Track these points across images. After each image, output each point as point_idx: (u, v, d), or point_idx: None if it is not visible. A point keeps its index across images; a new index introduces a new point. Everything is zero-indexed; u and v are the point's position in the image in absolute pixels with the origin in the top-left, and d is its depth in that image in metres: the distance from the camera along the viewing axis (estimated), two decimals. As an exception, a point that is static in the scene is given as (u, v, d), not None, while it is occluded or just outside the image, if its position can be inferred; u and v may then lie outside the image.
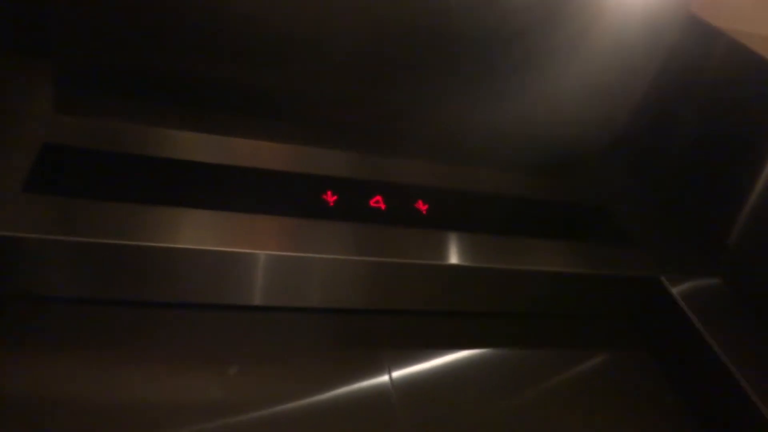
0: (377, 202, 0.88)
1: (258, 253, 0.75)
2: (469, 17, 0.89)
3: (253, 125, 0.92)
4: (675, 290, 0.93)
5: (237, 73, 0.90)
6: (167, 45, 0.85)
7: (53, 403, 0.64)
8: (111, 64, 0.86)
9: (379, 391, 0.76)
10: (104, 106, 0.86)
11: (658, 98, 1.12)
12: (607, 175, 1.20)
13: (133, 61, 0.86)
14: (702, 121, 1.08)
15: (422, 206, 0.90)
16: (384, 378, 0.77)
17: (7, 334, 0.69)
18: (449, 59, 0.94)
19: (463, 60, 0.95)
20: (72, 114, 0.83)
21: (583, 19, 0.94)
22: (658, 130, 1.18)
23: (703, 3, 1.03)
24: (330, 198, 0.85)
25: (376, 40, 0.90)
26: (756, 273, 0.95)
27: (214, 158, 0.86)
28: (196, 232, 0.74)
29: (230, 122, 0.91)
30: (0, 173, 0.71)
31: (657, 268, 0.96)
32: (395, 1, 0.86)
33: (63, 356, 0.69)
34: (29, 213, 0.68)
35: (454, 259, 0.84)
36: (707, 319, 0.88)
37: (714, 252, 1.02)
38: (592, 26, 0.96)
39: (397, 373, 0.78)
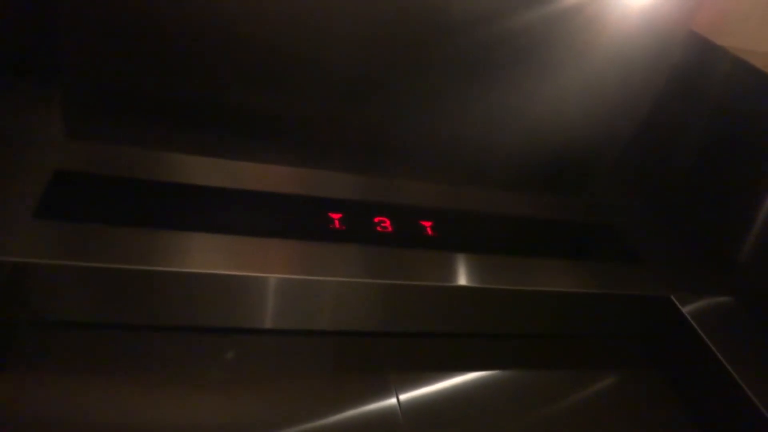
0: (384, 223, 0.88)
1: (268, 277, 0.75)
2: (472, 35, 0.90)
3: (260, 148, 0.93)
4: (685, 309, 0.92)
5: (244, 96, 0.91)
6: (175, 70, 0.86)
7: (65, 427, 0.64)
8: (120, 90, 0.87)
9: (387, 414, 0.75)
10: (114, 131, 0.87)
11: (664, 115, 1.12)
12: (615, 193, 1.19)
13: (142, 87, 0.87)
14: (708, 138, 1.08)
15: (429, 227, 0.90)
16: (392, 400, 0.77)
17: (20, 360, 0.69)
18: (453, 79, 0.95)
19: (466, 80, 0.95)
20: (82, 140, 0.84)
21: (584, 37, 0.95)
22: (664, 147, 1.18)
23: (704, 21, 1.04)
24: (337, 220, 0.86)
25: (379, 60, 0.91)
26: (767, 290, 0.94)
27: (222, 182, 0.86)
28: (206, 256, 0.74)
29: (237, 146, 0.92)
30: (11, 200, 0.72)
31: (667, 287, 0.96)
32: (398, 22, 0.87)
33: (75, 381, 0.69)
34: (40, 239, 0.69)
35: (462, 280, 0.84)
36: (719, 337, 0.87)
37: (724, 270, 1.01)
38: (595, 44, 0.96)
39: (404, 396, 0.78)
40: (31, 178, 0.76)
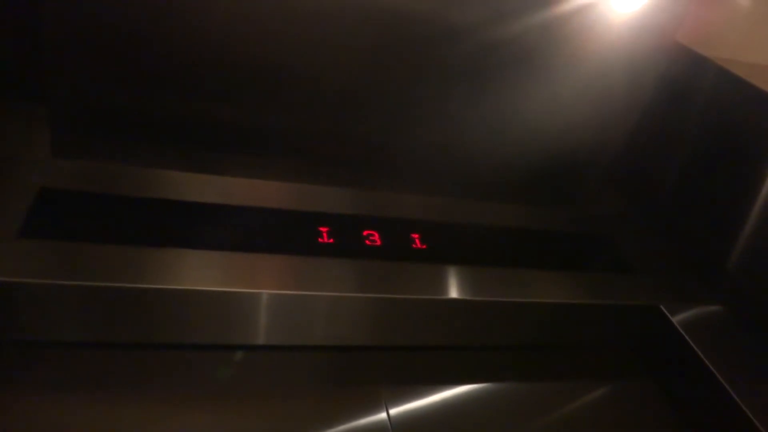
0: (373, 237, 0.88)
1: (256, 293, 0.74)
2: (461, 46, 0.90)
3: (247, 164, 0.93)
4: (675, 318, 0.92)
5: (232, 111, 0.91)
6: (162, 87, 0.86)
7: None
8: (107, 107, 0.87)
9: (378, 429, 0.75)
10: (101, 148, 0.87)
11: (652, 126, 1.13)
12: (605, 203, 1.20)
13: (129, 103, 0.87)
14: (696, 147, 1.09)
15: (419, 240, 0.90)
16: (382, 415, 0.76)
17: (7, 380, 0.68)
18: (442, 92, 0.95)
19: (455, 91, 0.96)
20: (69, 158, 0.84)
21: (571, 48, 0.96)
22: (653, 157, 1.18)
23: (690, 32, 1.05)
24: (326, 235, 0.85)
25: (369, 73, 0.91)
26: (757, 299, 0.94)
27: (210, 198, 0.86)
28: (196, 272, 0.74)
29: (225, 161, 0.92)
30: (-3, 219, 0.72)
31: (656, 296, 0.96)
32: (387, 36, 0.87)
33: (61, 401, 0.68)
34: (26, 258, 0.68)
35: (452, 293, 0.84)
36: (709, 346, 0.88)
37: (714, 279, 1.02)
38: (581, 55, 0.97)
39: (394, 410, 0.77)
40: (16, 197, 0.76)
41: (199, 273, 0.74)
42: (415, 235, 0.91)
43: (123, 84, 0.85)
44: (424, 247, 0.90)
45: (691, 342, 0.88)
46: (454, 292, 0.84)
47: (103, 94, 0.86)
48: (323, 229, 0.86)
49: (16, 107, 0.90)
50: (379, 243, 0.87)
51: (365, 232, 0.88)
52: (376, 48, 0.89)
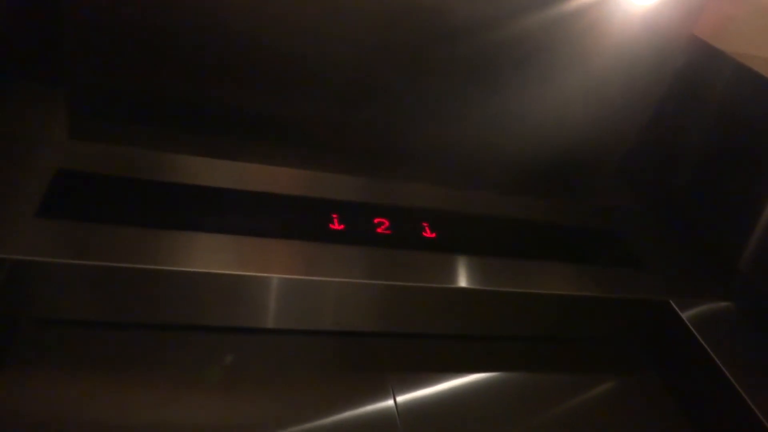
0: (384, 225, 0.88)
1: (267, 277, 0.75)
2: (474, 40, 0.90)
3: (261, 150, 0.94)
4: (684, 314, 0.92)
5: (246, 98, 0.92)
6: (180, 72, 0.87)
7: (65, 426, 0.65)
8: (125, 91, 0.88)
9: (384, 416, 0.75)
10: (118, 132, 0.88)
11: (666, 120, 1.12)
12: (617, 197, 1.20)
13: (146, 88, 0.88)
14: (711, 143, 1.08)
15: (429, 229, 0.91)
16: (389, 402, 0.77)
17: (20, 358, 0.70)
18: (454, 83, 0.95)
19: (467, 84, 0.96)
20: (86, 140, 0.85)
21: (586, 42, 0.95)
22: (666, 152, 1.18)
23: (706, 26, 1.04)
24: (337, 221, 0.86)
25: (381, 63, 0.91)
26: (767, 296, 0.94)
27: (224, 183, 0.87)
28: (209, 255, 0.75)
29: (239, 147, 0.93)
30: (14, 199, 0.73)
31: (666, 291, 0.96)
32: (400, 25, 0.88)
33: (76, 379, 0.70)
34: (42, 237, 0.70)
35: (461, 282, 0.84)
36: (717, 342, 0.87)
37: (725, 275, 1.01)
38: (597, 48, 0.97)
39: (402, 398, 0.78)
40: (34, 177, 0.77)
41: (211, 256, 0.75)
42: (425, 224, 0.91)
43: (140, 69, 0.86)
44: (434, 235, 0.90)
45: (699, 338, 0.88)
46: (462, 281, 0.84)
47: (121, 79, 0.87)
48: (334, 216, 0.87)
49: (35, 89, 0.91)
50: (389, 231, 0.88)
51: (376, 220, 0.89)
52: (388, 40, 0.89)
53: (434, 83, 0.95)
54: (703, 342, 0.87)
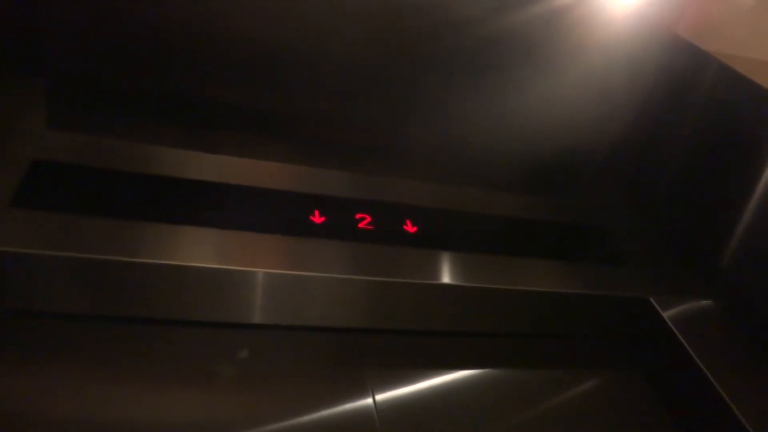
0: (366, 220, 0.88)
1: (252, 271, 0.75)
2: (463, 37, 0.90)
3: (243, 143, 0.93)
4: (664, 311, 0.92)
5: (228, 91, 0.91)
6: (159, 64, 0.86)
7: (38, 419, 0.64)
8: (103, 82, 0.87)
9: (362, 413, 0.75)
10: (96, 123, 0.87)
11: (650, 119, 1.13)
12: (600, 195, 1.20)
13: (125, 78, 0.87)
14: (694, 142, 1.09)
15: (411, 225, 0.90)
16: (367, 400, 0.77)
17: (-3, 349, 0.69)
18: (441, 81, 0.95)
19: (455, 82, 0.96)
20: (64, 131, 0.84)
21: (570, 41, 0.96)
22: (651, 151, 1.18)
23: (690, 25, 1.04)
24: (319, 217, 0.85)
25: (372, 59, 0.91)
26: (748, 295, 0.94)
27: (206, 176, 0.86)
28: (189, 248, 0.74)
29: (220, 140, 0.92)
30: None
31: (647, 289, 0.96)
32: (388, 21, 0.87)
33: (50, 371, 0.69)
34: (16, 228, 0.69)
35: (442, 278, 0.84)
36: (696, 340, 0.88)
37: (706, 273, 1.02)
38: (580, 48, 0.97)
39: (380, 396, 0.78)
40: (9, 167, 0.75)
41: (192, 249, 0.74)
42: (407, 219, 0.91)
43: (121, 59, 0.85)
44: (417, 231, 0.90)
45: (678, 335, 0.88)
46: (444, 278, 0.84)
47: (100, 69, 0.86)
48: (317, 211, 0.86)
49: (12, 78, 0.90)
50: (371, 226, 0.87)
51: (358, 215, 0.88)
52: (378, 36, 0.89)
53: (421, 83, 0.95)
54: (682, 339, 0.88)
